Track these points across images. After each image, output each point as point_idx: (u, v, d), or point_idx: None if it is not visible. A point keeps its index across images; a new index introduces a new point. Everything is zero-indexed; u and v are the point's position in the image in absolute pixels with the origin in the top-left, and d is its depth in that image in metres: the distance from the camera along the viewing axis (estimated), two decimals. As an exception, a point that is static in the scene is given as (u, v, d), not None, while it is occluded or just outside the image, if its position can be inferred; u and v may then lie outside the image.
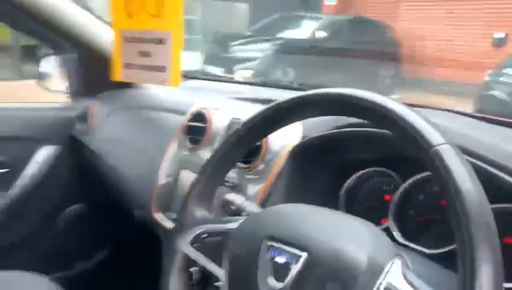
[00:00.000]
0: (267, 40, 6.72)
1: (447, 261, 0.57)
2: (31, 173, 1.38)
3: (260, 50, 6.51)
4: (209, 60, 7.14)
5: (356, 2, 8.57)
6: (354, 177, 0.80)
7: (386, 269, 0.46)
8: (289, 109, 0.58)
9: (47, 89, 1.47)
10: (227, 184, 0.86)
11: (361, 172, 0.80)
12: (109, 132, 1.30)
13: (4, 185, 1.35)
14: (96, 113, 1.35)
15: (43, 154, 1.40)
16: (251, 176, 0.85)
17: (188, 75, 1.46)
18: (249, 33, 7.65)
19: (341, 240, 0.49)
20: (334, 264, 0.47)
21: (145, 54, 0.99)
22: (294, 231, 0.52)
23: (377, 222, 0.73)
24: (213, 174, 0.65)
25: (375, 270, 0.46)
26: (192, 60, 7.53)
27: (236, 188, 0.85)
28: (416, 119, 0.46)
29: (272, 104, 0.60)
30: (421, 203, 0.73)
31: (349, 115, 0.54)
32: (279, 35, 6.86)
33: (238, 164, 0.86)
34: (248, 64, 6.37)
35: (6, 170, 1.35)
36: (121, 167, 1.23)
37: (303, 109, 0.57)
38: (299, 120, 0.61)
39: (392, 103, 0.48)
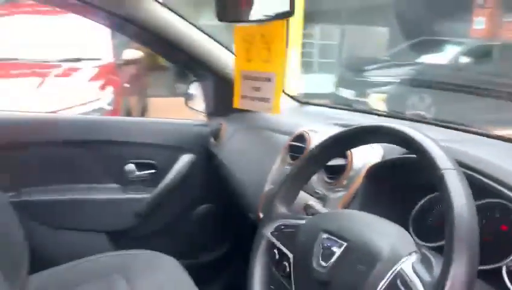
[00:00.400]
0: (404, 65, 6.61)
1: (491, 276, 0.68)
2: (173, 175, 1.71)
3: (396, 75, 6.43)
4: (342, 83, 7.24)
5: (508, 27, 7.92)
6: (424, 200, 0.92)
7: (402, 260, 0.61)
8: (351, 135, 0.76)
9: (191, 108, 1.83)
10: (315, 195, 1.04)
11: (430, 195, 0.91)
12: (234, 146, 1.57)
13: (153, 183, 1.71)
14: (225, 131, 1.63)
15: (183, 161, 1.72)
16: (335, 189, 1.02)
17: (301, 101, 1.68)
18: (386, 57, 7.61)
19: (373, 236, 0.65)
20: (364, 251, 0.63)
21: (257, 89, 1.26)
22: (342, 227, 0.69)
23: (439, 240, 0.85)
24: (293, 183, 0.85)
25: (394, 259, 0.61)
26: (325, 83, 7.75)
27: (321, 198, 1.02)
28: (431, 146, 0.61)
29: (338, 131, 0.78)
30: (480, 227, 0.83)
31: (393, 143, 0.70)
32: (419, 60, 6.68)
33: (325, 178, 1.04)
34: (382, 88, 6.35)
35: (154, 171, 1.72)
36: (241, 175, 1.47)
37: (360, 137, 0.74)
38: (359, 146, 0.78)
39: (415, 132, 0.64)
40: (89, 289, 1.24)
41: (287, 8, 0.99)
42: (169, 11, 1.48)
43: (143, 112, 4.95)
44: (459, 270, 0.52)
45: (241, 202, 1.45)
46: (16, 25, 3.96)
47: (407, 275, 0.59)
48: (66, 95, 3.31)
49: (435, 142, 0.62)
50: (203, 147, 1.73)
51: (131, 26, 1.49)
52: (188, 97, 1.81)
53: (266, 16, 1.06)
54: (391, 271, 0.60)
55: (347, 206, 0.97)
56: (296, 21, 8.24)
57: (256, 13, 1.07)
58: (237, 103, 1.38)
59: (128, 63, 4.17)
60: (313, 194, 1.04)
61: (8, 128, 1.60)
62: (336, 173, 1.01)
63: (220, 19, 1.20)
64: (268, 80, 1.20)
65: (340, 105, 1.61)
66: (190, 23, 1.52)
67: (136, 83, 4.69)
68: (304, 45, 9.02)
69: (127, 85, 4.21)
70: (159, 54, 1.75)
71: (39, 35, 3.80)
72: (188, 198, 1.77)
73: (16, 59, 3.63)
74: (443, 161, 0.59)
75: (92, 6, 1.41)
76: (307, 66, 9.17)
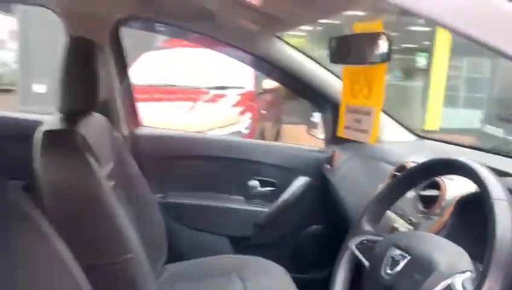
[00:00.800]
0: None
1: None
2: (289, 194, 1.89)
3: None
4: (490, 119, 6.73)
5: None
6: None
7: (455, 276, 0.70)
8: (428, 167, 0.86)
9: (312, 136, 2.00)
10: (407, 221, 1.13)
11: None
12: (345, 173, 1.69)
13: (272, 199, 1.92)
14: (339, 158, 1.77)
15: (300, 182, 1.89)
16: (427, 217, 1.09)
17: (420, 135, 1.74)
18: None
19: (434, 252, 0.75)
20: (423, 264, 0.74)
21: (357, 121, 1.41)
22: (409, 243, 0.80)
23: None
24: (378, 205, 0.97)
25: (447, 273, 0.70)
26: (470, 118, 7.28)
27: (413, 224, 1.11)
28: (487, 177, 0.69)
29: (421, 162, 0.89)
30: None
31: (461, 175, 0.79)
32: None
33: (420, 207, 1.12)
34: (536, 129, 5.75)
35: (274, 188, 1.93)
36: (349, 200, 1.59)
37: (435, 169, 0.85)
38: (436, 176, 0.87)
39: (476, 165, 0.73)
40: (211, 282, 1.47)
41: (385, 53, 1.16)
42: (295, 50, 1.70)
43: (276, 137, 5.27)
44: (492, 285, 0.60)
45: (349, 223, 1.56)
46: (175, 56, 4.64)
47: (456, 289, 0.68)
48: (212, 118, 3.78)
49: (492, 174, 0.70)
50: (319, 171, 1.88)
51: (263, 63, 1.75)
52: (311, 125, 1.99)
53: (368, 60, 1.22)
54: (443, 283, 0.69)
55: (435, 233, 1.04)
56: (441, 54, 7.95)
57: (360, 57, 1.24)
58: (340, 132, 1.55)
59: (266, 91, 4.54)
60: (406, 220, 1.13)
61: (164, 142, 1.97)
62: (430, 203, 1.09)
63: (332, 61, 1.41)
64: (368, 113, 1.34)
65: (465, 143, 1.62)
66: (312, 59, 1.72)
67: (272, 110, 5.06)
68: (449, 78, 8.62)
69: (264, 112, 4.58)
70: (285, 86, 1.98)
71: (193, 65, 4.40)
72: (302, 216, 1.93)
73: (174, 85, 4.26)
74: (496, 191, 0.67)
75: (233, 46, 1.70)
76: (452, 100, 8.72)
